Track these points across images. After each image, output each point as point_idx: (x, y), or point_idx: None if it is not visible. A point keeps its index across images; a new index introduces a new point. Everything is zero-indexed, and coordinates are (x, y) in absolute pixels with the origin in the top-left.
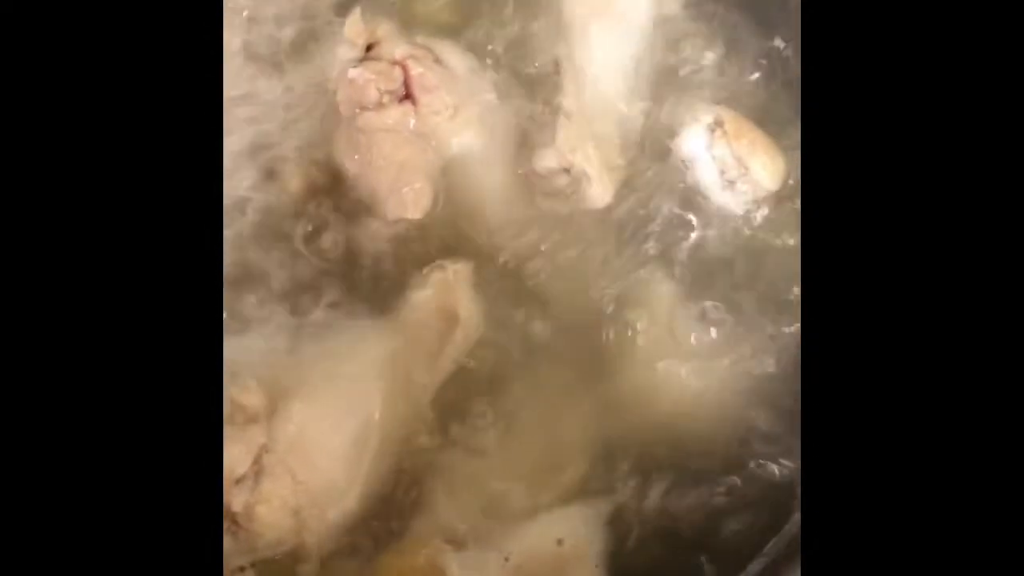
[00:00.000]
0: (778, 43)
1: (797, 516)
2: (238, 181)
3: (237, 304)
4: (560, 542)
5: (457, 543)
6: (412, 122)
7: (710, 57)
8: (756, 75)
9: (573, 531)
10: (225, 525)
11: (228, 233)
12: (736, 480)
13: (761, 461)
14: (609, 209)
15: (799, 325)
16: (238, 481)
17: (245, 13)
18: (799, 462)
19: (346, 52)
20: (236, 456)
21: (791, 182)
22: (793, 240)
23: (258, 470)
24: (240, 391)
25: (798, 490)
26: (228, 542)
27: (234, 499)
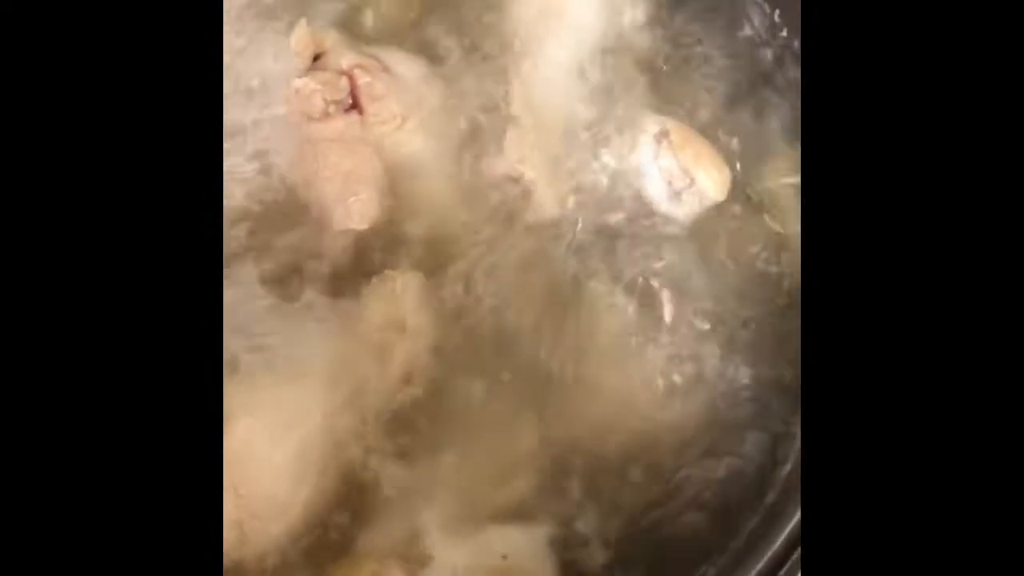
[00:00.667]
0: (727, 60)
1: (745, 532)
2: None
3: None
4: (505, 557)
5: (403, 557)
6: (359, 132)
7: (660, 68)
8: (707, 86)
9: (518, 547)
10: None
11: None
12: (684, 494)
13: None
14: (557, 219)
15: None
16: None
17: None
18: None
19: (288, 62)
20: None
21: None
22: (740, 252)
23: None
24: None
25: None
26: None
27: None
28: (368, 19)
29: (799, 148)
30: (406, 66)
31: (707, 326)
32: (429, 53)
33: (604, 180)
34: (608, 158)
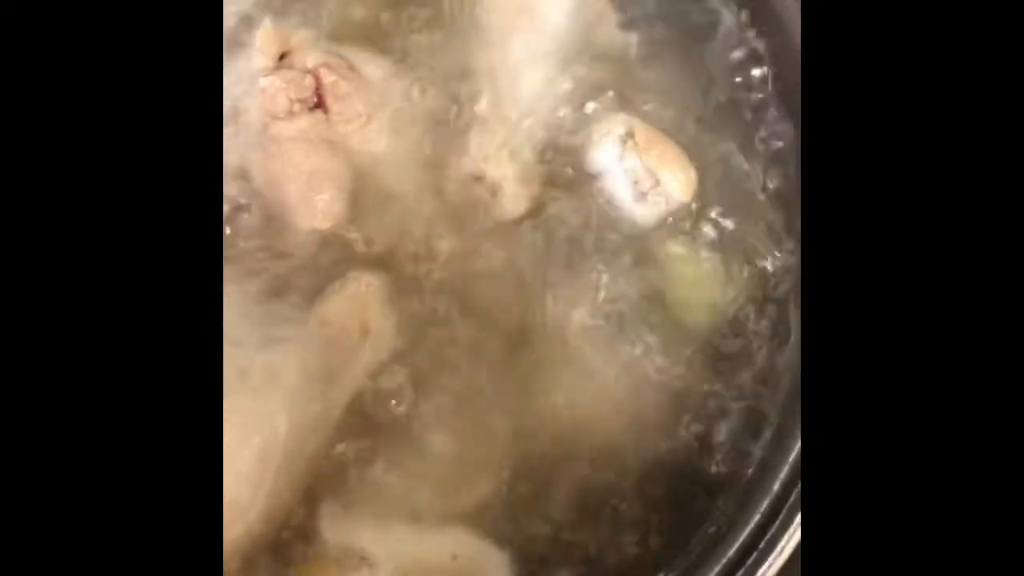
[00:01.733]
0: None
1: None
2: None
3: None
4: (455, 557)
5: (363, 558)
6: (323, 131)
7: (627, 67)
8: (674, 87)
9: (471, 549)
10: None
11: None
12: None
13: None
14: (523, 219)
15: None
16: None
17: None
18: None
19: (257, 62)
20: None
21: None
22: (704, 252)
23: None
24: None
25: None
26: None
27: None
28: (333, 16)
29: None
30: (372, 65)
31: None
32: (395, 52)
33: (570, 180)
34: (574, 158)
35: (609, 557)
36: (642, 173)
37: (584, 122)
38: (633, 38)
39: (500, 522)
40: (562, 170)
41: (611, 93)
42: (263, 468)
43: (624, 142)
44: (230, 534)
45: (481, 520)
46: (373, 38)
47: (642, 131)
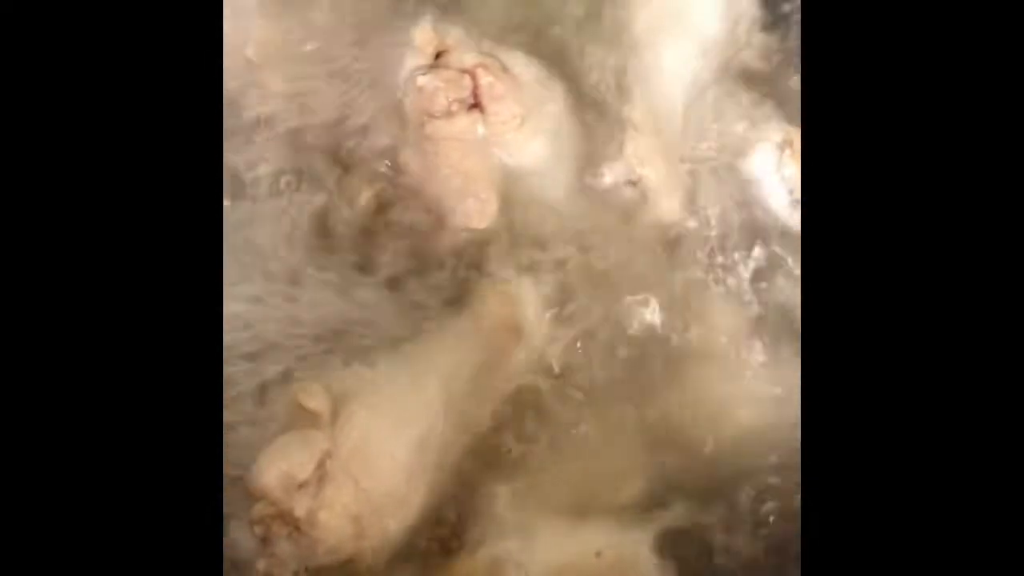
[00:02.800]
0: None
1: None
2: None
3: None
4: (598, 554)
5: (513, 556)
6: (480, 131)
7: (782, 76)
8: None
9: (619, 547)
10: (285, 530)
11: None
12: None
13: None
14: (674, 225)
15: None
16: (300, 486)
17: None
18: None
19: (412, 60)
20: (299, 461)
21: None
22: None
23: (321, 476)
24: (305, 395)
25: None
26: (287, 546)
27: (296, 504)
28: (484, 18)
29: None
30: (524, 66)
31: None
32: (546, 54)
33: (724, 187)
34: (728, 165)
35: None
36: (799, 183)
37: (739, 129)
38: (784, 41)
39: (646, 517)
40: (715, 176)
41: (767, 99)
42: (420, 461)
43: (782, 150)
44: (386, 525)
45: (628, 516)
46: (524, 40)
47: (800, 140)
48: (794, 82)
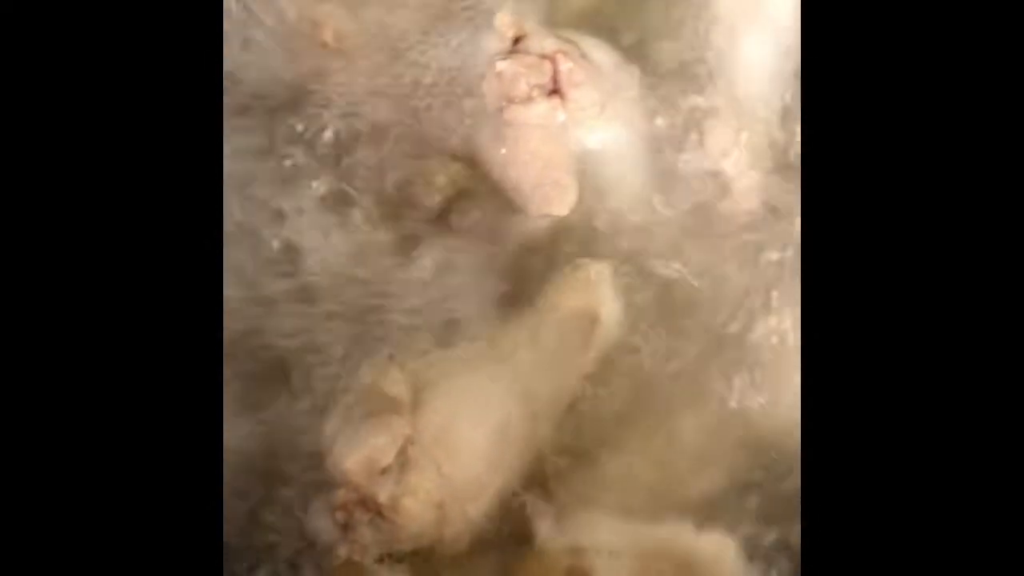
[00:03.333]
0: None
1: None
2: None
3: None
4: (690, 550)
5: (595, 545)
6: (560, 117)
7: None
8: None
9: (701, 544)
10: (368, 516)
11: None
12: None
13: None
14: (756, 214)
15: None
16: (383, 472)
17: None
18: None
19: (492, 44)
20: (382, 446)
21: None
22: None
23: (403, 462)
24: (386, 381)
25: None
26: (369, 532)
27: (380, 489)
28: (560, 4)
29: None
30: (602, 52)
31: None
32: (622, 40)
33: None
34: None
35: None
36: None
37: None
38: None
39: (728, 511)
40: (796, 168)
41: None
42: (500, 448)
43: None
44: (467, 512)
45: (710, 510)
46: (597, 25)
47: None
48: None
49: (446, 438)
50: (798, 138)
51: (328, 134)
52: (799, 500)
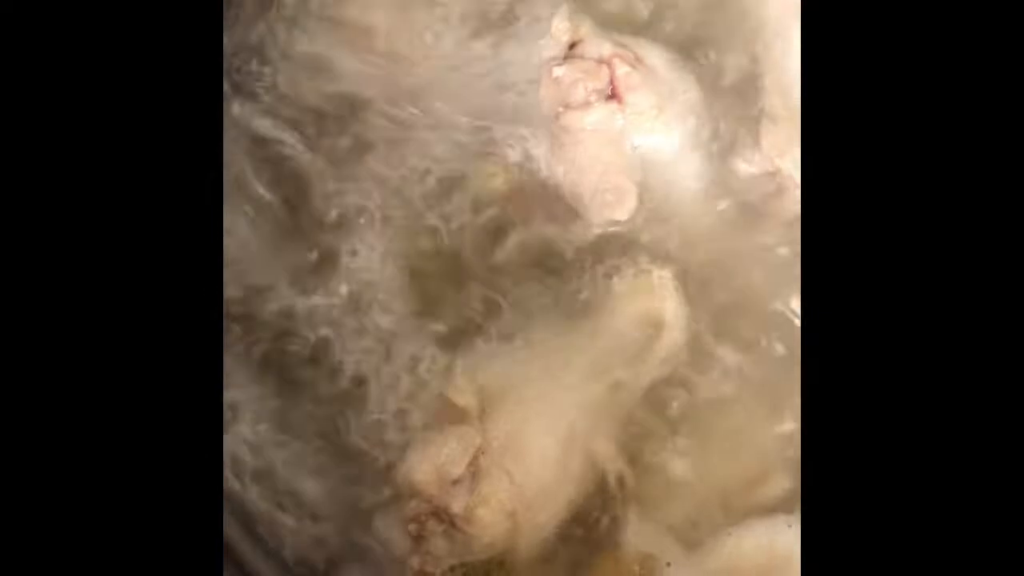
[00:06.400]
0: None
1: None
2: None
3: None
4: (763, 554)
5: (665, 554)
6: (619, 121)
7: None
8: None
9: (776, 544)
10: (441, 527)
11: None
12: None
13: None
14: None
15: None
16: (455, 482)
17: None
18: None
19: (546, 50)
20: (452, 457)
21: None
22: None
23: (475, 471)
24: (454, 391)
25: None
26: (441, 543)
27: (453, 500)
28: (612, 8)
29: None
30: (657, 56)
31: None
32: (677, 44)
33: None
34: None
35: None
36: None
37: None
38: None
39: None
40: None
41: None
42: (568, 456)
43: None
44: (539, 520)
45: (783, 511)
46: (654, 29)
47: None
48: None
49: (516, 447)
50: None
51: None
52: None
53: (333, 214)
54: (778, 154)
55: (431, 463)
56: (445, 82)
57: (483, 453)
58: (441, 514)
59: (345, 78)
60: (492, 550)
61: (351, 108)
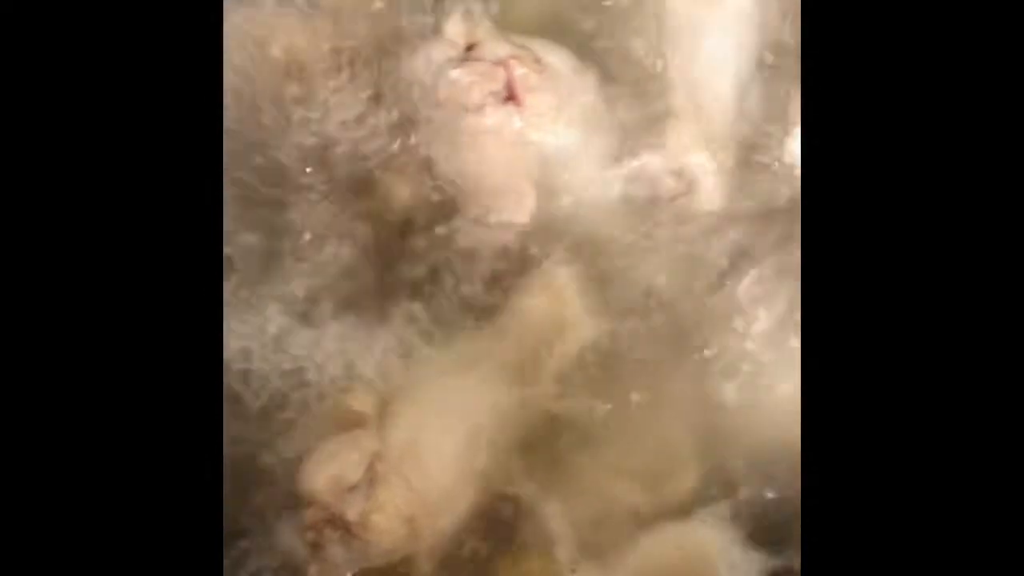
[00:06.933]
0: None
1: None
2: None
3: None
4: (677, 552)
5: (563, 554)
6: (516, 123)
7: None
8: None
9: (688, 541)
10: (337, 534)
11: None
12: None
13: None
14: (718, 212)
15: None
16: (351, 489)
17: None
18: None
19: (442, 53)
20: (349, 463)
21: None
22: None
23: (371, 478)
24: (351, 397)
25: None
26: (339, 551)
27: (348, 508)
28: (515, 8)
29: None
30: (557, 57)
31: None
32: (579, 43)
33: (768, 174)
34: (774, 151)
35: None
36: None
37: (783, 114)
38: None
39: (715, 509)
40: (760, 161)
41: None
42: (470, 459)
43: None
44: (439, 526)
45: (696, 509)
46: (551, 29)
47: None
48: None
49: (414, 452)
50: (762, 135)
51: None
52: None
53: None
54: (682, 152)
55: (327, 470)
56: None
57: (380, 459)
58: (337, 521)
59: None
60: (391, 556)
61: None
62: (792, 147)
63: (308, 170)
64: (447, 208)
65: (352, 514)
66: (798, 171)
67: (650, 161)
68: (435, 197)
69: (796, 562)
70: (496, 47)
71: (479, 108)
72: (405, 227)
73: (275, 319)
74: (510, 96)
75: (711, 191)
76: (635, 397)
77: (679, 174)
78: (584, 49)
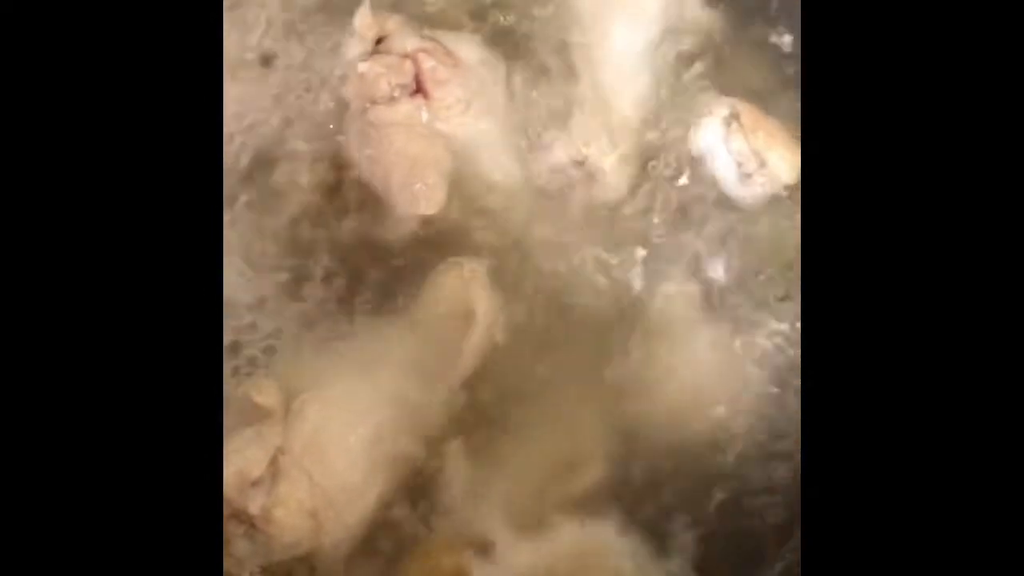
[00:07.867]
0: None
1: None
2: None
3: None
4: (582, 545)
5: (478, 546)
6: (424, 116)
7: (726, 49)
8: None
9: (593, 533)
10: (241, 529)
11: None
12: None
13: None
14: (622, 202)
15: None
16: (254, 483)
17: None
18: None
19: (353, 46)
20: (252, 458)
21: None
22: None
23: (274, 472)
24: (256, 391)
25: None
26: (244, 545)
27: (250, 502)
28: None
29: None
30: (467, 49)
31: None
32: (489, 35)
33: (672, 163)
34: (676, 141)
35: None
36: (747, 154)
37: (686, 104)
38: (728, 14)
39: (613, 505)
40: (664, 153)
41: (712, 73)
42: (376, 453)
43: (728, 124)
44: (344, 520)
45: (595, 505)
46: (464, 22)
47: (747, 112)
48: (735, 56)
49: (318, 446)
50: (663, 126)
51: None
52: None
53: None
54: (585, 143)
55: (231, 465)
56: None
57: (283, 453)
58: (241, 516)
59: None
60: (296, 550)
61: None
62: (696, 138)
63: None
64: (356, 200)
65: (255, 508)
66: (701, 162)
67: (557, 152)
68: (344, 188)
69: None
70: (405, 40)
71: (388, 100)
72: (313, 219)
73: None
74: (418, 89)
75: (613, 182)
76: (545, 388)
77: (581, 164)
78: (495, 42)
